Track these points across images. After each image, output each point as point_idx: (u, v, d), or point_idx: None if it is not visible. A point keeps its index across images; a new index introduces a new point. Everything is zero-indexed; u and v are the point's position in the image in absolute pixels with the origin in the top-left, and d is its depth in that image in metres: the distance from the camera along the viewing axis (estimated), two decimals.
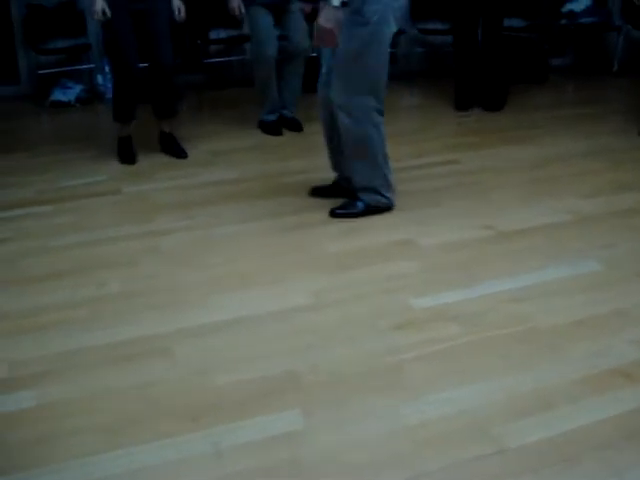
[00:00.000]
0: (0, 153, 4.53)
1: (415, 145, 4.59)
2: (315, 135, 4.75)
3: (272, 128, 4.94)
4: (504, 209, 3.58)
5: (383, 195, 3.49)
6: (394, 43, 6.45)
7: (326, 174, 3.77)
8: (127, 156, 4.45)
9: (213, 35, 6.22)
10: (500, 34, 5.30)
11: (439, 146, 4.55)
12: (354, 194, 3.52)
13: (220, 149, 4.68)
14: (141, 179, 4.17)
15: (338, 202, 3.56)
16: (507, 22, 6.07)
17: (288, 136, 4.91)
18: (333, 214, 3.50)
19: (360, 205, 3.50)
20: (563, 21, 6.48)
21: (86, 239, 3.42)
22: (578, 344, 2.47)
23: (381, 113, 3.38)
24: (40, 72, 5.96)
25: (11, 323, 2.71)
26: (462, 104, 5.37)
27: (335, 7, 2.91)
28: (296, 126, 4.99)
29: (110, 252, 3.26)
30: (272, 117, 4.98)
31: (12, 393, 2.31)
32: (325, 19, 2.93)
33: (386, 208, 3.52)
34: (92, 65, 6.16)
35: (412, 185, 3.89)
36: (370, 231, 3.36)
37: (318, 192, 3.75)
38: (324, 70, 3.40)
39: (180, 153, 4.50)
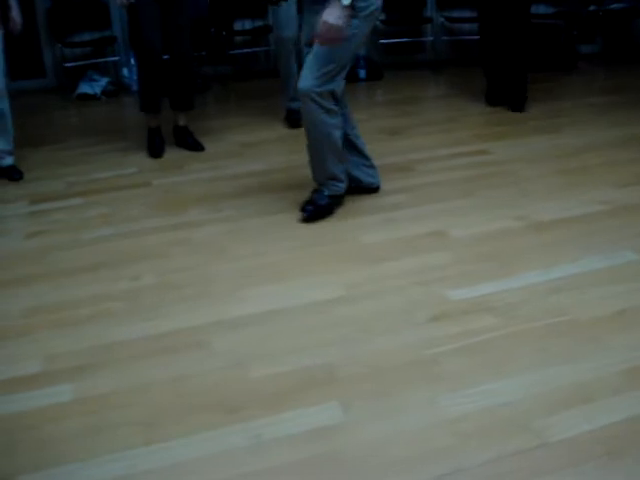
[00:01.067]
0: (29, 146, 4.55)
1: (444, 135, 4.56)
2: None
3: (295, 118, 4.76)
4: (536, 200, 3.54)
5: (342, 181, 3.46)
6: (420, 32, 6.46)
7: None
8: (155, 148, 4.46)
9: (238, 26, 6.22)
10: (525, 28, 5.08)
11: (469, 136, 4.52)
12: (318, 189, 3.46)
13: (247, 141, 4.67)
14: (170, 171, 4.18)
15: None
16: (534, 9, 6.02)
17: None
18: (306, 219, 3.38)
19: (325, 199, 3.42)
20: (591, 7, 6.40)
21: (118, 232, 3.43)
22: (618, 336, 2.43)
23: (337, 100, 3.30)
24: (66, 65, 5.99)
25: (47, 317, 2.73)
26: (492, 99, 5.26)
27: (345, 6, 2.89)
28: (298, 121, 4.73)
29: (142, 245, 3.27)
30: (297, 105, 4.73)
31: (48, 387, 2.32)
32: (335, 17, 2.88)
33: (341, 196, 3.49)
34: (117, 58, 6.18)
35: (443, 175, 3.86)
36: (402, 222, 3.34)
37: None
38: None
39: (196, 146, 4.50)
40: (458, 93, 5.52)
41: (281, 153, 4.41)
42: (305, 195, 3.51)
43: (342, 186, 3.46)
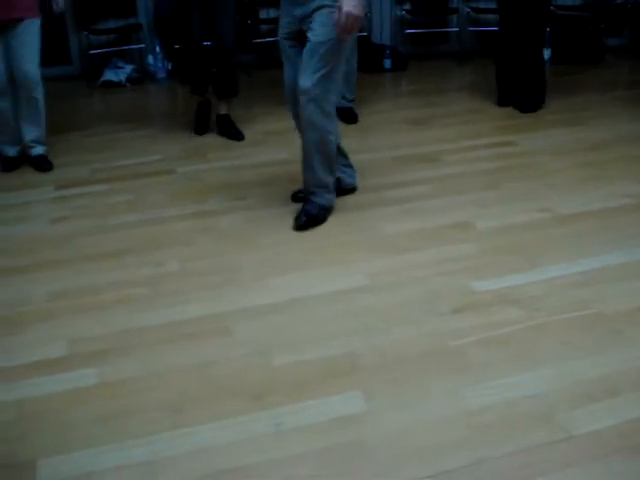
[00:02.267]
0: (54, 133, 4.57)
1: (469, 126, 4.53)
2: (366, 116, 4.74)
3: (346, 115, 4.64)
4: (561, 192, 3.51)
5: (332, 192, 3.33)
6: (446, 22, 6.42)
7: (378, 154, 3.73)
8: (200, 124, 4.61)
9: (263, 14, 6.21)
10: (544, 25, 4.83)
11: (493, 127, 4.49)
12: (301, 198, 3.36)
13: (271, 129, 4.67)
14: (195, 159, 4.19)
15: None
16: (560, 0, 5.96)
17: None
18: (298, 224, 3.24)
19: (316, 208, 3.28)
20: None
21: (142, 218, 3.45)
22: None
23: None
24: (91, 52, 6.01)
25: (70, 301, 2.75)
26: (503, 100, 5.01)
27: None
28: (350, 117, 4.71)
29: (166, 231, 3.28)
30: (344, 103, 4.69)
31: (72, 371, 2.34)
32: (354, 6, 2.85)
33: (330, 208, 3.34)
34: (142, 45, 6.19)
35: (467, 166, 3.84)
36: (426, 213, 3.33)
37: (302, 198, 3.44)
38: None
39: (237, 135, 4.52)
40: (483, 84, 5.47)
41: None
42: None
43: (332, 198, 3.33)
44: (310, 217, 3.25)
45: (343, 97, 4.66)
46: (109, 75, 5.89)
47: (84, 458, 1.97)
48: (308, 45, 2.99)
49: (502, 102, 4.99)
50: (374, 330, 2.47)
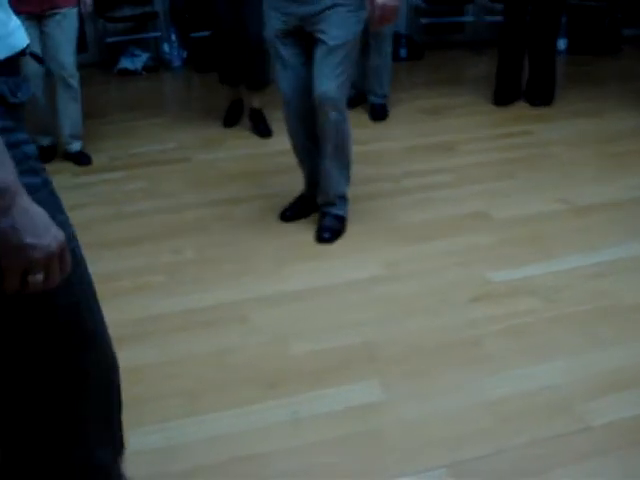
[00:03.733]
0: None
1: (485, 116, 4.51)
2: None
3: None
4: (579, 183, 3.49)
5: (348, 201, 3.16)
6: (462, 11, 6.38)
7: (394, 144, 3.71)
8: (230, 118, 4.57)
9: None
10: (555, 12, 4.61)
11: (511, 117, 4.46)
12: (318, 207, 3.13)
13: None
14: (211, 147, 4.19)
15: None
16: None
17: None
18: (323, 239, 3.02)
19: (337, 221, 3.08)
20: None
21: (159, 206, 3.46)
22: None
23: None
24: (107, 40, 6.02)
25: None
26: (502, 98, 4.74)
27: None
28: (379, 113, 4.57)
29: (183, 219, 3.29)
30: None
31: None
32: None
33: (347, 217, 3.15)
34: (158, 33, 6.19)
35: (484, 156, 3.83)
36: (443, 203, 3.32)
37: (292, 215, 3.23)
38: (293, 79, 2.92)
39: (264, 132, 4.37)
40: None
41: None
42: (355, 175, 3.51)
43: (347, 208, 3.15)
44: (334, 232, 3.04)
45: (370, 92, 4.60)
46: (125, 63, 5.90)
47: None
48: (324, 49, 2.74)
49: (499, 101, 4.73)
50: (391, 320, 2.47)
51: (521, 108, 4.70)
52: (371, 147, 4.00)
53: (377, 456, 1.90)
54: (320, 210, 3.12)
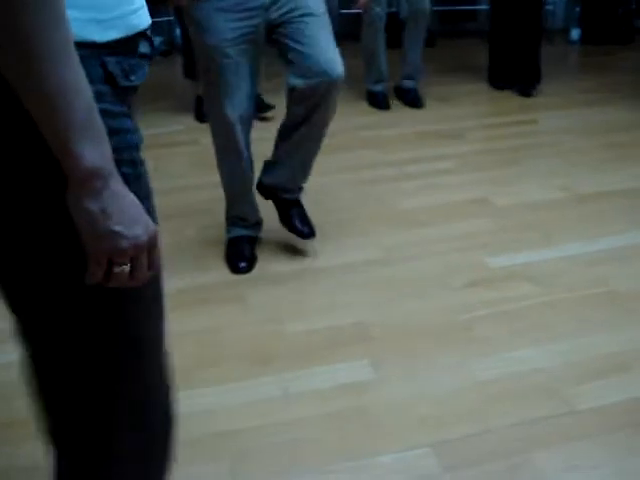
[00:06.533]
0: None
1: (494, 103, 4.50)
2: (390, 91, 4.71)
3: (378, 100, 4.53)
4: (582, 171, 3.48)
5: None
6: (475, 0, 6.34)
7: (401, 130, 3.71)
8: (201, 113, 4.46)
9: None
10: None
11: (518, 105, 4.45)
12: (290, 200, 2.79)
13: None
14: None
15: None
16: None
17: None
18: (313, 233, 2.76)
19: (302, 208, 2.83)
20: None
21: (163, 187, 3.46)
22: None
23: None
24: None
25: None
26: (497, 80, 4.81)
27: None
28: (415, 102, 4.52)
29: (186, 200, 3.31)
30: (379, 87, 4.56)
31: None
32: None
33: None
34: (171, 17, 6.20)
35: (490, 144, 3.82)
36: (446, 189, 3.32)
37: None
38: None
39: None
40: None
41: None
42: (354, 158, 3.52)
43: None
44: (310, 222, 2.78)
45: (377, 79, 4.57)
46: None
47: None
48: (313, 21, 2.34)
49: (496, 83, 4.81)
50: (386, 302, 2.49)
51: (529, 97, 4.66)
52: (377, 133, 4.01)
53: (362, 433, 1.91)
54: (289, 204, 2.79)
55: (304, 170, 2.72)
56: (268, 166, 2.74)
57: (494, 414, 1.96)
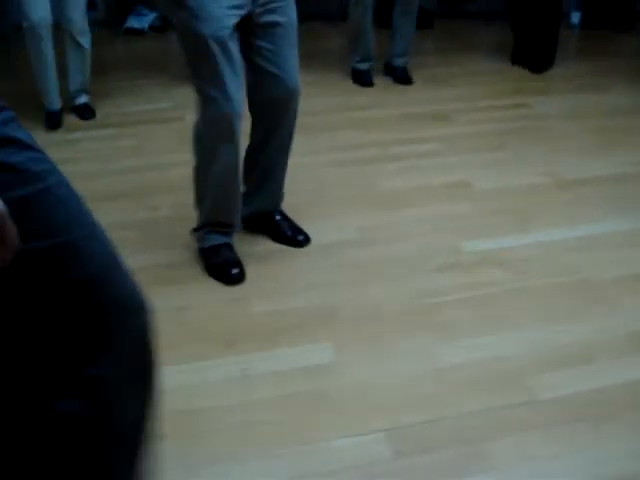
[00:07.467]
0: None
1: (487, 86, 4.42)
2: (382, 72, 4.65)
3: (362, 77, 4.48)
4: (570, 157, 3.42)
5: None
6: None
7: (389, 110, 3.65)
8: None
9: None
10: None
11: (512, 89, 4.38)
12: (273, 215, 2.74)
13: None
14: None
15: None
16: None
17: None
18: (308, 239, 2.72)
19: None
20: None
21: (145, 163, 3.45)
22: (628, 299, 2.36)
23: None
24: None
25: None
26: (517, 57, 4.86)
27: None
28: (404, 79, 4.49)
29: (166, 177, 3.28)
30: (364, 66, 4.50)
31: None
32: None
33: None
34: None
35: (478, 127, 3.77)
36: (427, 171, 3.28)
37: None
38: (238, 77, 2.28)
39: None
40: (508, 46, 5.32)
41: (318, 95, 4.31)
42: (337, 138, 3.47)
43: None
44: (303, 231, 2.75)
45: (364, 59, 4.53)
46: (132, 22, 5.86)
47: None
48: (282, 31, 2.30)
49: (516, 60, 4.86)
50: (357, 284, 2.46)
51: (526, 80, 4.60)
52: (364, 113, 3.96)
53: (317, 417, 1.90)
54: (272, 216, 2.73)
55: (281, 187, 2.69)
56: (245, 198, 2.62)
57: (452, 401, 1.94)
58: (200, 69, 2.26)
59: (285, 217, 2.76)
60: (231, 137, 2.33)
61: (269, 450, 1.80)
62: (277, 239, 2.71)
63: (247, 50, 2.32)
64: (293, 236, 2.70)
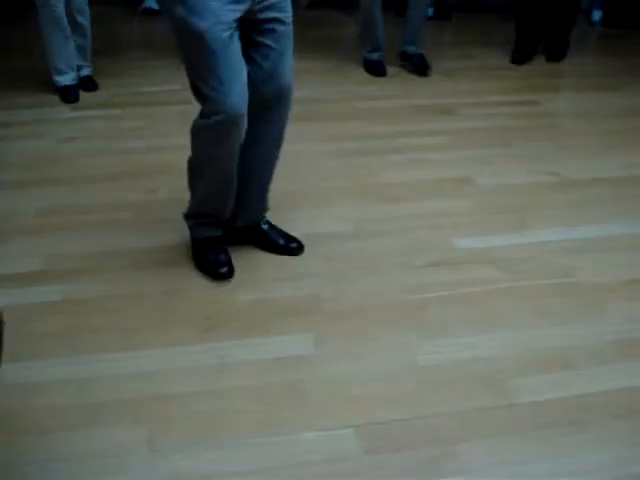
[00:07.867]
0: None
1: (499, 81, 4.37)
2: (395, 62, 4.61)
3: (374, 67, 4.47)
4: (576, 157, 3.37)
5: None
6: None
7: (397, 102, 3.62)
8: None
9: None
10: None
11: (523, 85, 4.32)
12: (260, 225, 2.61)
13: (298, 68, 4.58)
14: None
15: None
16: None
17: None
18: (301, 246, 2.60)
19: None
20: None
21: (147, 145, 3.45)
22: (620, 305, 2.32)
23: None
24: None
25: (58, 219, 2.79)
26: (519, 57, 4.76)
27: None
28: (421, 67, 4.47)
29: (167, 160, 3.26)
30: (375, 56, 4.50)
31: (43, 286, 2.39)
32: None
33: None
34: None
35: (484, 122, 3.73)
36: (429, 165, 3.24)
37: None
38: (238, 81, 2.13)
39: None
40: None
41: (328, 83, 4.27)
42: (342, 128, 3.45)
43: None
44: (296, 238, 2.63)
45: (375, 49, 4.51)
46: (150, 2, 5.85)
47: (38, 368, 2.02)
48: (282, 29, 2.22)
49: (518, 59, 4.76)
50: (345, 276, 2.44)
51: (538, 77, 4.53)
52: (372, 104, 3.93)
53: (290, 409, 1.88)
54: (259, 226, 2.61)
55: (261, 201, 2.56)
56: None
57: (427, 401, 1.91)
58: (198, 68, 2.13)
59: (272, 225, 2.62)
60: (230, 139, 2.21)
61: (238, 439, 1.78)
62: (268, 249, 2.58)
63: (247, 46, 2.21)
64: (286, 244, 2.58)
